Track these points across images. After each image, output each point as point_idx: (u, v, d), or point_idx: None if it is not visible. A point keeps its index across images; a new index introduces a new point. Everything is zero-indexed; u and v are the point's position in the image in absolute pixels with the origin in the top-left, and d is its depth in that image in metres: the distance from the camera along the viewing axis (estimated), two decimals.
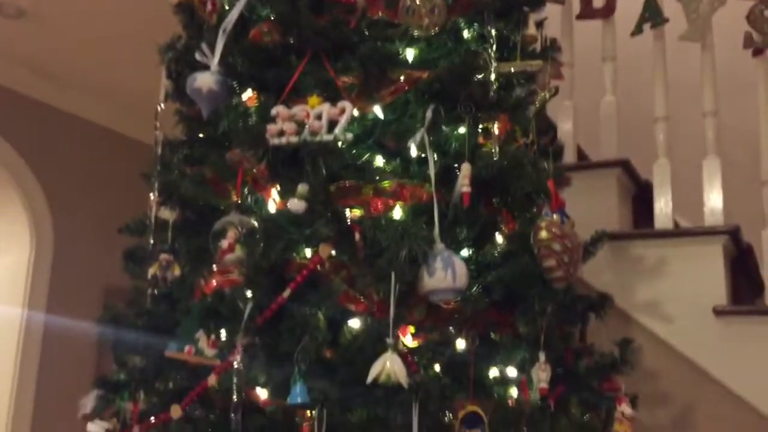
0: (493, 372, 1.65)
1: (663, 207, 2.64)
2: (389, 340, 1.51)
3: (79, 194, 3.91)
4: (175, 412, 1.60)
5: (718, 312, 2.44)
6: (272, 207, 1.79)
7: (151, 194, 1.83)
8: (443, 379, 1.55)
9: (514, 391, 1.65)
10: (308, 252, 1.69)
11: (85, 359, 3.71)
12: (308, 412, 1.56)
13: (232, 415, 1.53)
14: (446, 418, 1.56)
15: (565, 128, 2.79)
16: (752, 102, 2.63)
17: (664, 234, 2.60)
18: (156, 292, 1.72)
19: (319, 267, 1.63)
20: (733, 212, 2.61)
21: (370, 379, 1.49)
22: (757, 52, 2.56)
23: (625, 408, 1.74)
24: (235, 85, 1.77)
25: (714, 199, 2.58)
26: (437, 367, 1.62)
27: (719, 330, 2.44)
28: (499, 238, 1.79)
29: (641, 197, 2.87)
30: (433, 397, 1.49)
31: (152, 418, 1.65)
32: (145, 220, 1.83)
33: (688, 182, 2.71)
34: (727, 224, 2.55)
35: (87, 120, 3.94)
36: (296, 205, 1.63)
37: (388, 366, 1.49)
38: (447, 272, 1.56)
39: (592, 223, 2.12)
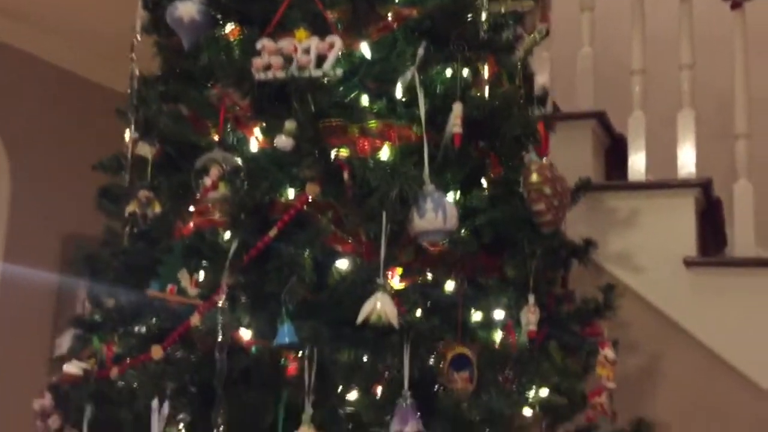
0: (481, 315, 1.64)
1: (637, 159, 2.65)
2: (379, 281, 1.48)
3: (39, 141, 3.76)
4: (156, 352, 1.56)
5: (689, 263, 2.48)
6: (254, 146, 1.74)
7: (127, 130, 1.76)
8: (432, 320, 1.53)
9: (501, 334, 1.64)
10: (293, 193, 1.64)
11: (43, 309, 3.62)
12: (294, 352, 1.53)
13: (217, 354, 1.49)
14: (435, 360, 1.54)
15: (541, 80, 2.76)
16: (726, 56, 2.64)
17: (638, 186, 2.62)
18: (135, 230, 1.65)
19: (305, 207, 1.59)
20: (700, 166, 2.64)
21: (360, 319, 1.46)
22: (736, 5, 2.57)
23: (608, 352, 1.75)
24: (218, 17, 1.70)
25: (687, 152, 2.60)
26: (424, 310, 1.59)
27: (689, 281, 2.48)
28: (485, 183, 1.77)
29: (614, 150, 2.89)
30: (424, 339, 1.47)
31: (131, 359, 1.59)
32: (121, 157, 1.76)
33: (659, 136, 2.73)
34: (700, 177, 2.57)
35: (48, 62, 3.77)
36: (284, 142, 1.58)
37: (379, 306, 1.46)
38: (438, 213, 1.53)
39: (567, 175, 2.10)
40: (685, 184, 2.56)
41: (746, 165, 2.53)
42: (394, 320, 1.46)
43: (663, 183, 2.61)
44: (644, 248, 2.53)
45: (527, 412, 1.70)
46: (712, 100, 2.87)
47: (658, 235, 2.52)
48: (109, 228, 1.88)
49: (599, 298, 1.88)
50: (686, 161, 2.59)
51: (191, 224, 1.74)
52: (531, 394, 1.71)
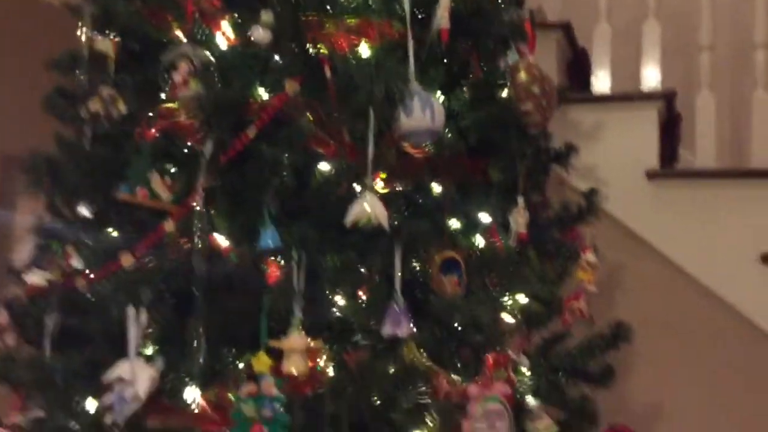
0: (467, 219, 1.59)
1: (601, 72, 2.62)
2: (367, 181, 1.41)
3: None
4: (126, 260, 1.46)
5: (651, 175, 2.49)
6: (222, 42, 1.62)
7: (80, 23, 1.61)
8: (422, 224, 1.47)
9: (485, 239, 1.60)
10: (268, 95, 1.54)
11: None
12: (276, 258, 1.45)
13: (195, 261, 1.40)
14: (422, 264, 1.50)
15: None
16: None
17: (602, 98, 2.59)
18: (97, 131, 1.53)
19: (284, 106, 1.49)
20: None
21: (349, 221, 1.40)
22: None
23: (589, 256, 1.73)
24: None
25: (652, 64, 2.58)
26: (410, 215, 1.53)
27: (651, 193, 2.49)
28: (464, 87, 1.71)
29: (575, 63, 2.85)
30: (415, 241, 1.42)
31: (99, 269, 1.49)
32: (77, 53, 1.61)
33: (622, 49, 2.70)
34: (665, 89, 2.57)
35: None
36: (261, 35, 1.47)
37: (368, 208, 1.39)
38: (426, 112, 1.46)
39: None
40: (649, 96, 2.55)
41: (709, 77, 2.53)
42: (385, 222, 1.40)
43: (627, 95, 2.59)
44: (607, 161, 2.51)
45: (509, 318, 1.68)
46: (675, 12, 2.84)
47: (621, 148, 2.51)
48: (60, 136, 1.74)
49: (581, 203, 1.86)
50: (650, 74, 2.58)
51: (153, 130, 1.62)
52: (509, 300, 1.68)
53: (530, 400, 1.70)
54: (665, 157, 2.72)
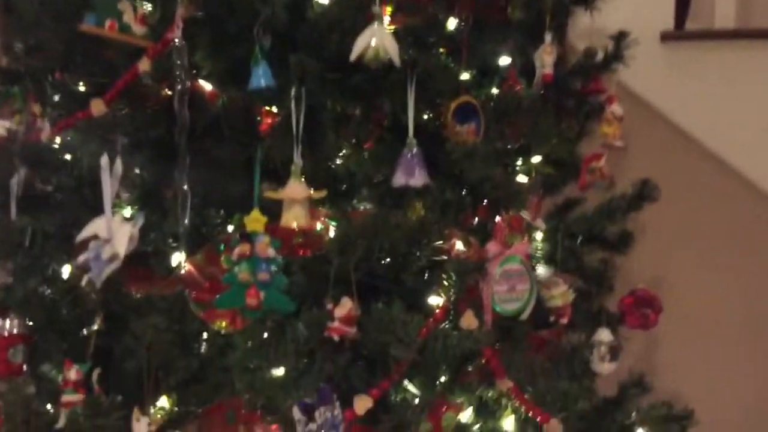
0: (483, 61, 1.41)
1: None
2: (375, 10, 1.22)
3: None
4: (97, 107, 1.26)
5: (665, 37, 2.32)
6: None
7: None
8: (435, 60, 1.29)
9: (504, 84, 1.42)
10: None
11: None
12: (271, 100, 1.27)
13: (176, 104, 1.21)
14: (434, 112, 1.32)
15: None
16: None
17: None
18: None
19: None
20: None
21: (354, 56, 1.21)
22: None
23: (615, 108, 1.56)
24: None
25: None
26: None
27: (663, 57, 2.33)
28: None
29: None
30: (430, 80, 1.24)
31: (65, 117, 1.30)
32: None
33: None
34: None
35: None
36: None
37: (375, 41, 1.20)
38: None
39: None
40: None
41: None
42: (395, 56, 1.21)
43: None
44: (618, 23, 2.31)
45: (525, 178, 1.53)
46: None
47: (635, 8, 2.32)
48: None
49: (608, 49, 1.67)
50: None
51: None
52: (527, 158, 1.53)
53: (544, 266, 1.57)
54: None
